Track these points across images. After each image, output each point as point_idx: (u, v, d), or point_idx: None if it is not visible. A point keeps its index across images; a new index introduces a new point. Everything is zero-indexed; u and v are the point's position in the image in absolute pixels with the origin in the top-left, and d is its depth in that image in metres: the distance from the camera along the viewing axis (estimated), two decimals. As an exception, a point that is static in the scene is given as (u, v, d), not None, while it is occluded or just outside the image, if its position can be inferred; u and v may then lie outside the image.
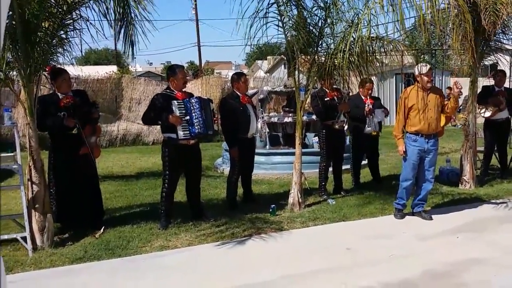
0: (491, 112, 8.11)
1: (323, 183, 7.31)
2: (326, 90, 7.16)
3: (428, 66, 6.02)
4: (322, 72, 6.46)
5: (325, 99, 7.10)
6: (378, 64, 6.63)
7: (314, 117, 8.63)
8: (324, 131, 7.27)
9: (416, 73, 6.04)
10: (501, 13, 6.33)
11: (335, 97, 7.16)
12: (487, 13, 6.43)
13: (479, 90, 8.01)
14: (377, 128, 7.85)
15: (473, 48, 6.93)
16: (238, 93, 6.68)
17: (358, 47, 5.75)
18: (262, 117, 9.65)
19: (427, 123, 5.95)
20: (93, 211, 5.96)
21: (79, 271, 4.73)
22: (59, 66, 5.84)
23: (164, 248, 5.27)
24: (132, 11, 5.47)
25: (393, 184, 7.48)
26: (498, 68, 8.43)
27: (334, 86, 7.21)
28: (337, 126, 7.16)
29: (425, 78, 5.94)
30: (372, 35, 6.08)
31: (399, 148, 6.11)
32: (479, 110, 8.16)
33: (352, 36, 5.66)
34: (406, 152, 6.04)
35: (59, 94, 5.67)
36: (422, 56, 23.76)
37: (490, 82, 8.45)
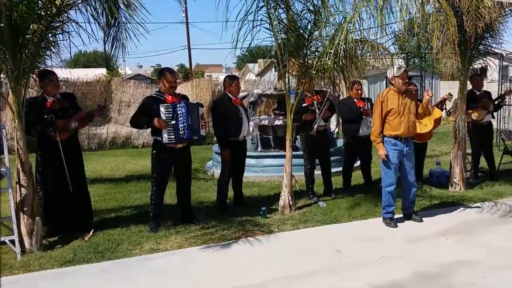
0: (480, 114, 8.15)
1: (310, 186, 7.31)
2: (307, 94, 7.09)
3: (402, 68, 5.90)
4: (308, 75, 6.41)
5: (303, 105, 7.02)
6: (368, 68, 6.59)
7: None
8: (303, 134, 7.24)
9: (390, 75, 5.91)
10: (483, 17, 6.33)
11: (314, 102, 7.12)
12: (469, 16, 6.44)
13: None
14: None
15: (456, 52, 6.92)
16: (230, 96, 6.67)
17: (342, 49, 5.67)
18: (253, 120, 9.64)
19: (406, 127, 5.88)
20: (82, 214, 5.91)
21: (68, 274, 4.69)
22: (47, 68, 5.79)
23: (154, 251, 5.25)
24: (122, 13, 5.46)
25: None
26: (482, 71, 8.44)
27: (318, 89, 7.13)
28: (311, 133, 7.08)
29: (400, 81, 5.82)
30: (357, 38, 6.04)
31: (380, 152, 5.95)
32: (469, 113, 8.19)
33: (339, 38, 5.65)
34: (388, 156, 5.94)
35: (46, 96, 5.62)
36: (412, 59, 23.85)
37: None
